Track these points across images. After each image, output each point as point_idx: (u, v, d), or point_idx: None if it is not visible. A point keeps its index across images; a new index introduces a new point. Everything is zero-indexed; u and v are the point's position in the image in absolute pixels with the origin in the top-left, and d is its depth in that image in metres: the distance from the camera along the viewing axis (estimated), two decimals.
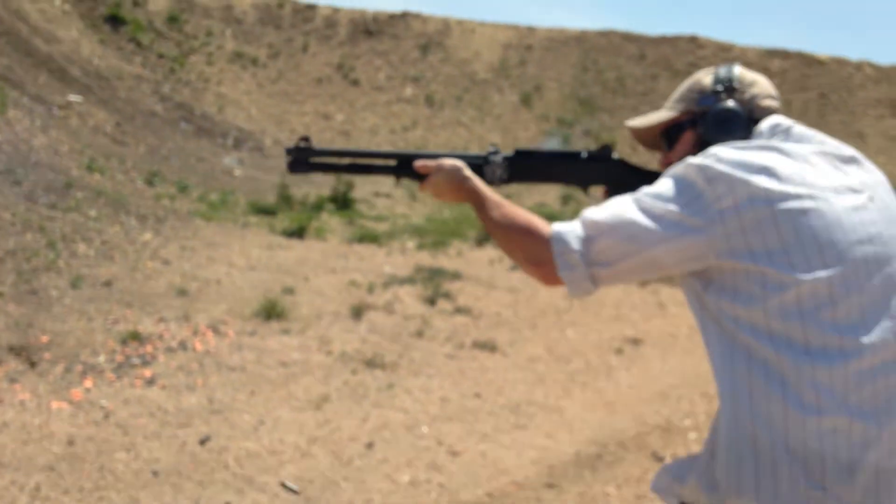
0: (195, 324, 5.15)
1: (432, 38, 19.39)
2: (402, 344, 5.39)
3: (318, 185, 12.87)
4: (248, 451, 3.52)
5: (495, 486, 3.50)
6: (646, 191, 1.41)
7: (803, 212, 1.31)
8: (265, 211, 9.57)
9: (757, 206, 1.31)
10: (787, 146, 1.39)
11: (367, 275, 7.19)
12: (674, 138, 1.62)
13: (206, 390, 4.14)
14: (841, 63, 19.72)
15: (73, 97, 12.62)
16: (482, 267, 8.25)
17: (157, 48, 16.95)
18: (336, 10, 19.79)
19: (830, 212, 1.32)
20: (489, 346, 5.54)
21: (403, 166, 1.84)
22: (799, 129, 1.47)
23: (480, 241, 9.58)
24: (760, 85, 1.57)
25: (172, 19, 17.80)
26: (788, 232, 1.30)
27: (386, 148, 16.40)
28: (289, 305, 5.80)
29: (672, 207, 1.35)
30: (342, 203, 10.78)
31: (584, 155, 1.83)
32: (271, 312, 5.52)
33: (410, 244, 8.93)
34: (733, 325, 1.32)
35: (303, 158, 1.93)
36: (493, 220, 1.55)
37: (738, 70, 1.58)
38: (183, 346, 4.74)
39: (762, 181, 1.32)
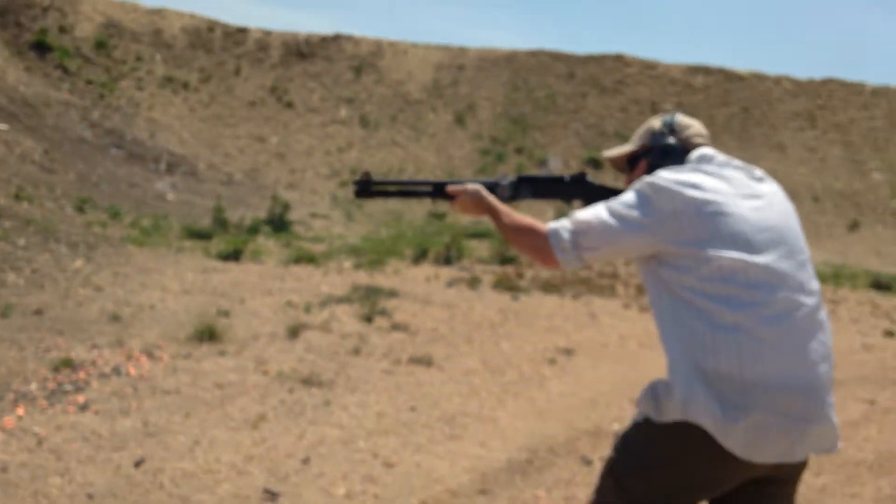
0: (129, 349, 5.14)
1: (365, 59, 19.54)
2: (339, 362, 5.45)
3: (254, 208, 12.84)
4: (183, 471, 3.55)
5: (429, 494, 3.59)
6: (616, 200, 2.01)
7: (720, 212, 1.91)
8: (200, 235, 9.54)
9: (688, 209, 1.91)
10: (710, 168, 2.02)
11: (303, 295, 7.24)
12: (634, 164, 2.25)
13: (140, 414, 4.15)
14: (760, 78, 20.48)
15: None
16: (419, 284, 8.36)
17: (86, 74, 16.73)
18: (268, 33, 19.80)
19: (738, 212, 1.92)
20: (425, 361, 5.64)
21: (438, 191, 2.40)
22: (720, 157, 2.08)
23: (417, 259, 9.70)
24: (694, 127, 2.20)
25: (100, 45, 17.60)
26: (710, 226, 1.89)
27: (324, 168, 16.44)
28: (224, 328, 5.81)
29: (632, 211, 1.96)
30: (278, 225, 10.80)
31: (567, 178, 2.43)
32: (206, 335, 5.54)
33: (347, 264, 9.00)
34: (679, 288, 1.90)
35: (365, 187, 2.45)
36: (506, 225, 2.15)
37: (679, 117, 2.22)
38: (116, 371, 4.73)
39: (691, 192, 1.92)
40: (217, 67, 18.47)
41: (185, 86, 17.67)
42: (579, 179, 2.42)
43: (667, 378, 1.92)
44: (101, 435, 3.85)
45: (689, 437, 1.85)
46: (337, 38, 19.99)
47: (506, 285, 8.54)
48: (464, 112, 18.80)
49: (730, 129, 18.78)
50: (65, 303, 6.04)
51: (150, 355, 5.09)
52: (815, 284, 1.98)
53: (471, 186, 2.29)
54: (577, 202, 2.40)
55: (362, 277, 8.36)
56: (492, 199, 2.24)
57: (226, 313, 6.25)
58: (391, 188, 2.56)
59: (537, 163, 17.62)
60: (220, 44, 19.04)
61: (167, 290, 6.84)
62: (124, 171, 13.14)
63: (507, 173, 2.45)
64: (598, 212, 1.99)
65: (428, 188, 2.45)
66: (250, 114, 17.50)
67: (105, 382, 4.54)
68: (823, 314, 1.97)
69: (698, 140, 2.17)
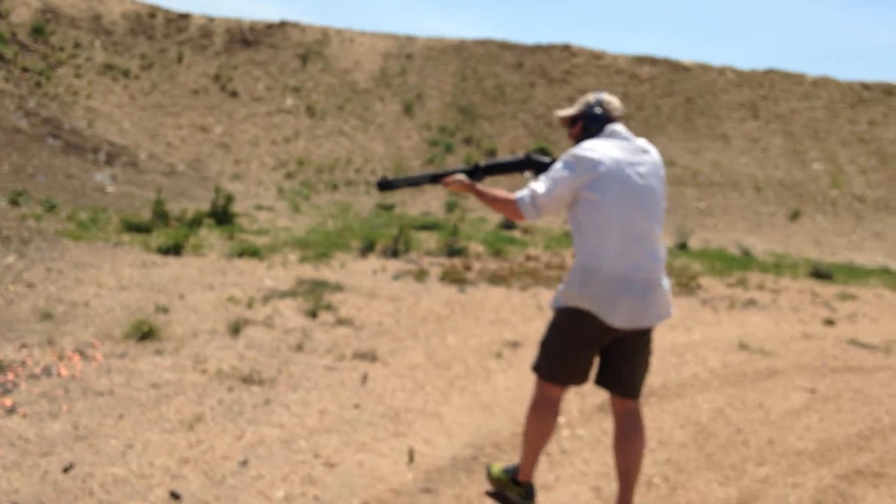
0: (60, 348, 4.95)
1: (311, 47, 19.25)
2: (281, 358, 5.34)
3: (198, 200, 12.57)
4: (114, 476, 3.42)
5: (371, 494, 3.52)
6: (553, 168, 3.21)
7: (612, 171, 3.11)
8: (139, 228, 9.29)
9: (593, 168, 3.11)
10: (614, 140, 3.23)
11: (246, 290, 7.08)
12: (573, 123, 3.41)
13: (70, 416, 3.99)
14: (705, 69, 20.73)
15: None
16: (365, 277, 8.26)
17: (22, 61, 16.18)
18: (211, 20, 19.39)
19: (624, 172, 3.13)
20: (370, 356, 5.55)
21: (435, 179, 3.52)
22: (623, 132, 3.27)
23: (364, 252, 9.59)
24: (614, 104, 3.38)
25: (37, 31, 17.04)
26: (604, 179, 3.09)
27: (269, 159, 16.18)
28: (162, 325, 5.65)
29: (562, 172, 3.15)
30: (222, 217, 10.57)
31: (519, 159, 3.60)
32: (143, 333, 5.37)
33: (292, 257, 8.85)
34: (582, 218, 3.15)
35: (384, 184, 3.56)
36: (487, 197, 3.34)
37: (605, 95, 3.38)
38: (47, 371, 4.55)
39: (596, 156, 3.13)
40: (159, 55, 18.03)
41: (126, 73, 17.21)
42: (526, 159, 3.60)
43: (566, 280, 3.22)
44: (29, 439, 3.69)
45: (581, 314, 3.15)
46: (282, 25, 19.66)
47: (453, 278, 8.49)
48: (412, 102, 18.66)
49: (674, 119, 18.98)
50: None
51: (82, 355, 4.91)
52: (661, 216, 3.24)
53: (458, 176, 3.47)
54: (527, 173, 3.56)
55: (307, 271, 8.22)
56: (475, 183, 3.44)
57: (164, 310, 6.07)
58: (401, 183, 3.62)
59: (486, 153, 17.58)
60: (161, 30, 18.59)
61: (103, 285, 6.63)
62: (61, 162, 12.74)
63: (479, 161, 3.65)
64: (544, 179, 3.19)
65: (427, 179, 3.56)
66: (193, 102, 17.12)
67: (34, 384, 4.36)
68: (661, 237, 3.22)
69: (616, 114, 3.35)
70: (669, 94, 19.61)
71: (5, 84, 15.06)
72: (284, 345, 5.64)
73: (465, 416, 4.64)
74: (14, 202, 9.32)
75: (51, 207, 9.58)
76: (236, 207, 11.86)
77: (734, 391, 5.60)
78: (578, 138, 3.36)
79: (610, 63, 20.47)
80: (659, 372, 5.84)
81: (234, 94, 17.69)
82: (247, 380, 4.80)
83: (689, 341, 6.87)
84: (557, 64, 20.09)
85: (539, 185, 3.17)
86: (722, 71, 20.76)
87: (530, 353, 6.11)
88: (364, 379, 5.08)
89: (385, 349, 5.80)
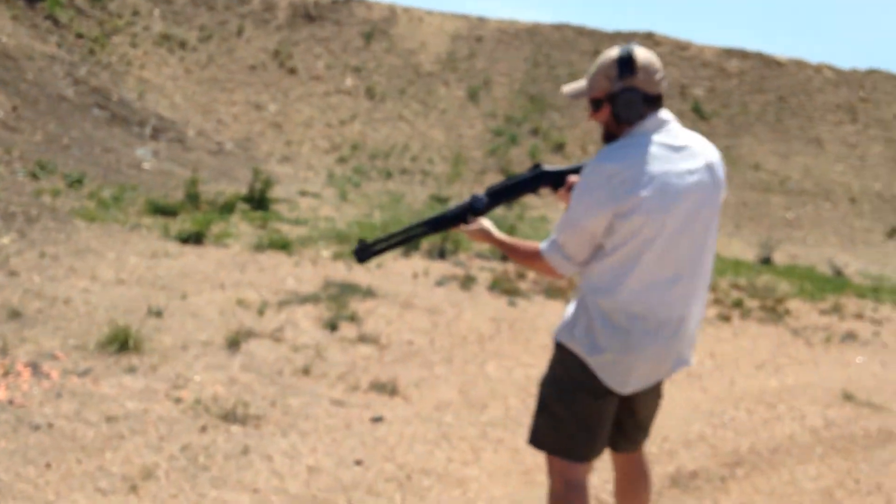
0: (11, 360, 4.09)
1: (377, 25, 18.31)
2: (281, 385, 4.39)
3: (240, 182, 11.75)
4: None
5: None
6: (579, 191, 2.29)
7: (659, 188, 2.23)
8: (165, 210, 8.47)
9: (633, 190, 2.24)
10: (656, 137, 2.30)
11: (262, 291, 6.16)
12: (598, 105, 2.43)
13: None
14: (800, 65, 19.11)
15: None
16: (403, 281, 7.27)
17: (77, 27, 15.62)
18: None
19: (671, 184, 2.25)
20: (389, 388, 4.57)
21: (434, 228, 2.60)
22: (670, 120, 2.35)
23: (407, 250, 8.60)
24: (656, 68, 2.32)
25: None
26: (648, 202, 2.23)
27: (323, 141, 15.34)
28: (149, 332, 4.76)
29: (594, 198, 2.26)
30: (258, 203, 9.69)
31: (528, 175, 2.58)
32: (121, 343, 4.47)
33: (325, 252, 7.91)
34: (604, 238, 2.30)
35: (363, 251, 2.62)
36: (510, 249, 2.52)
37: (641, 52, 2.31)
38: None
39: (635, 171, 2.25)
40: (219, 26, 17.32)
41: (183, 45, 16.55)
42: (540, 173, 2.58)
43: (569, 318, 2.45)
44: None
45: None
46: (348, 1, 18.77)
47: (504, 287, 7.44)
48: (478, 88, 17.57)
49: (764, 118, 17.45)
50: None
51: (35, 370, 4.03)
52: (713, 238, 2.37)
53: (475, 226, 2.57)
54: (544, 191, 2.61)
55: (339, 270, 7.27)
56: (497, 234, 2.56)
57: (157, 313, 5.18)
58: (382, 246, 2.64)
59: (553, 146, 16.40)
60: (223, 1, 17.87)
61: (97, 278, 5.78)
62: (103, 134, 12.06)
63: (476, 192, 2.66)
64: (568, 216, 2.30)
65: (421, 231, 2.60)
66: (249, 78, 16.36)
67: None
68: (709, 266, 2.44)
69: (659, 84, 2.27)
70: (759, 91, 18.06)
71: (57, 50, 14.51)
72: (289, 367, 4.69)
73: (496, 485, 3.62)
74: (34, 175, 8.60)
75: (74, 182, 8.84)
76: (280, 192, 11.01)
77: (843, 463, 4.43)
78: (608, 127, 2.35)
79: (695, 54, 19.02)
80: (747, 430, 4.71)
81: (292, 71, 16.88)
82: (227, 416, 3.85)
83: (780, 387, 5.68)
84: None
85: (564, 225, 2.32)
86: (819, 69, 19.09)
87: None
88: (375, 421, 4.10)
89: (409, 379, 4.80)
